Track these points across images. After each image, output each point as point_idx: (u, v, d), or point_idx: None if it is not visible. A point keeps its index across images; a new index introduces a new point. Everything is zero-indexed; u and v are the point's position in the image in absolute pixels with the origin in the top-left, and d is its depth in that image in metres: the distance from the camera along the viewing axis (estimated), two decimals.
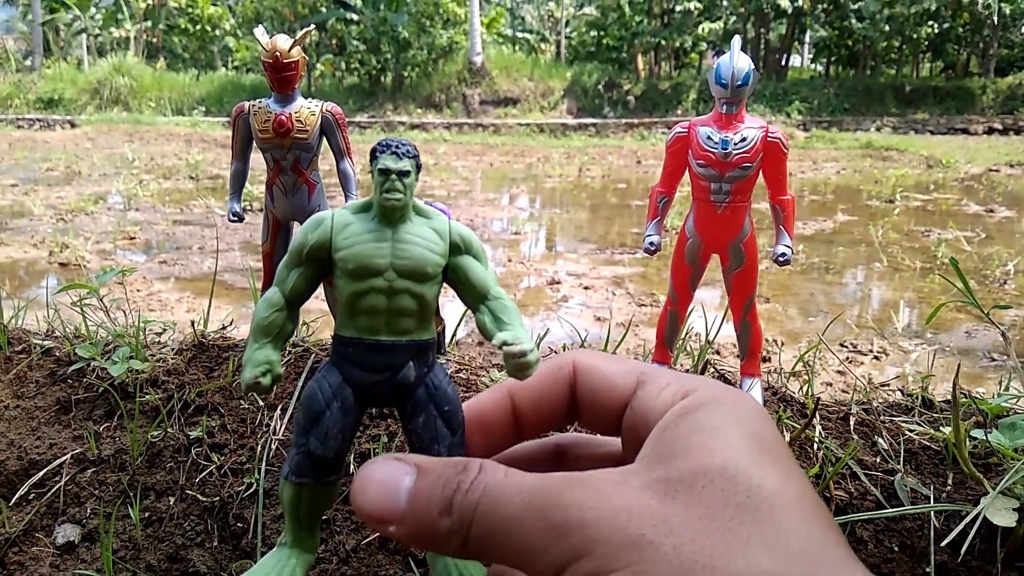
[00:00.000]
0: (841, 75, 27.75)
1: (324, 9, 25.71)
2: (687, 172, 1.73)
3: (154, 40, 33.28)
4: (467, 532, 0.38)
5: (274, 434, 1.80)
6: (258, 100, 1.88)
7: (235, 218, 1.97)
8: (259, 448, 1.78)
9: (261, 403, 1.89)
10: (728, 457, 0.37)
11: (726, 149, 1.63)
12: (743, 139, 1.64)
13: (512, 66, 26.47)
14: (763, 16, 24.55)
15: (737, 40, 1.67)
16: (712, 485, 0.35)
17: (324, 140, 1.91)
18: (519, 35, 34.27)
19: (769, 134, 1.67)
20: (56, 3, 30.86)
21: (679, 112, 22.93)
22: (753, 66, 1.65)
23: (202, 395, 1.95)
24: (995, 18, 23.36)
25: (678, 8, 23.99)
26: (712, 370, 1.88)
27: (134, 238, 7.26)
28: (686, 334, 1.96)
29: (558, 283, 5.95)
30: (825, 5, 24.48)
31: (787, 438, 1.58)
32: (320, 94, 27.44)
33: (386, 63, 25.45)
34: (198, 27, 30.10)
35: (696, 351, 1.91)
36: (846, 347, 4.56)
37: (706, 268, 1.79)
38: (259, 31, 1.81)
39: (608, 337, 2.06)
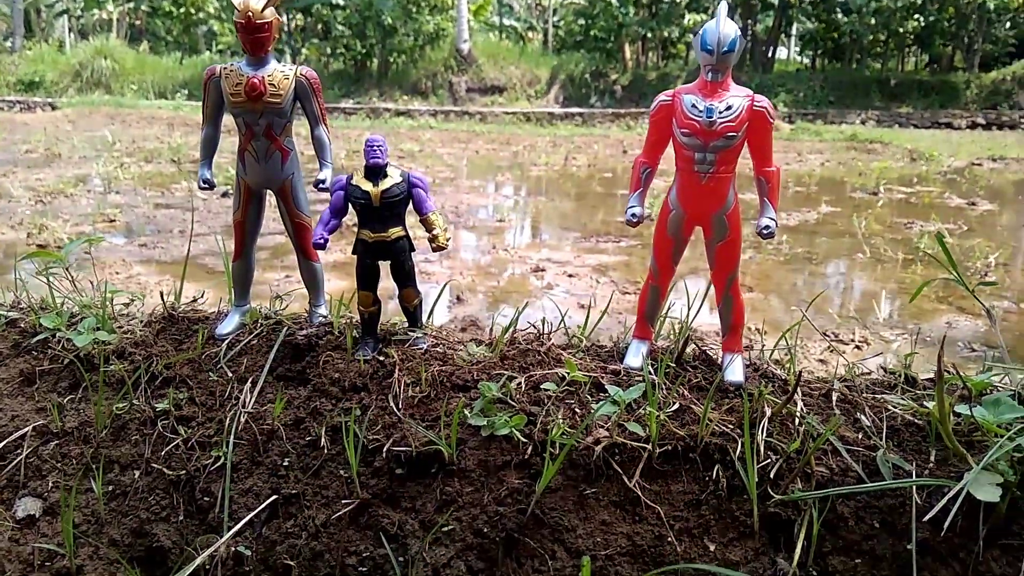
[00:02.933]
0: (827, 68, 27.84)
1: None
2: (671, 143, 1.69)
3: (137, 22, 32.78)
4: None
5: (243, 407, 1.75)
6: (230, 63, 1.81)
7: (206, 185, 1.90)
8: (228, 421, 1.73)
9: (230, 375, 1.84)
10: None
11: (711, 117, 1.59)
12: (728, 107, 1.60)
13: (499, 54, 26.32)
14: (750, 8, 24.56)
15: (724, 6, 1.62)
16: None
17: (298, 105, 1.85)
18: (507, 23, 34.07)
19: (755, 102, 1.62)
20: None
21: None
22: (739, 32, 1.60)
23: (170, 367, 1.89)
24: (979, 13, 23.50)
25: None
26: (693, 346, 1.85)
27: (114, 220, 7.14)
28: (666, 316, 1.93)
29: (542, 271, 5.90)
30: None
31: (768, 414, 1.55)
32: None
33: (372, 49, 25.22)
34: (182, 10, 29.63)
35: (677, 331, 1.88)
36: (828, 336, 4.56)
37: (689, 241, 1.76)
38: None
39: (587, 321, 2.02)
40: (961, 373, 1.68)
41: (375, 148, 1.70)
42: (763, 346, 1.99)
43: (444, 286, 2.39)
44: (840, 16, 24.57)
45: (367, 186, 1.72)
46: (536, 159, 14.00)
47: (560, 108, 23.50)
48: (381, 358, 1.79)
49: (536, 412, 1.60)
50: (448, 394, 1.69)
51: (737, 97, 1.61)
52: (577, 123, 21.55)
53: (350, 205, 1.76)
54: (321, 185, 1.82)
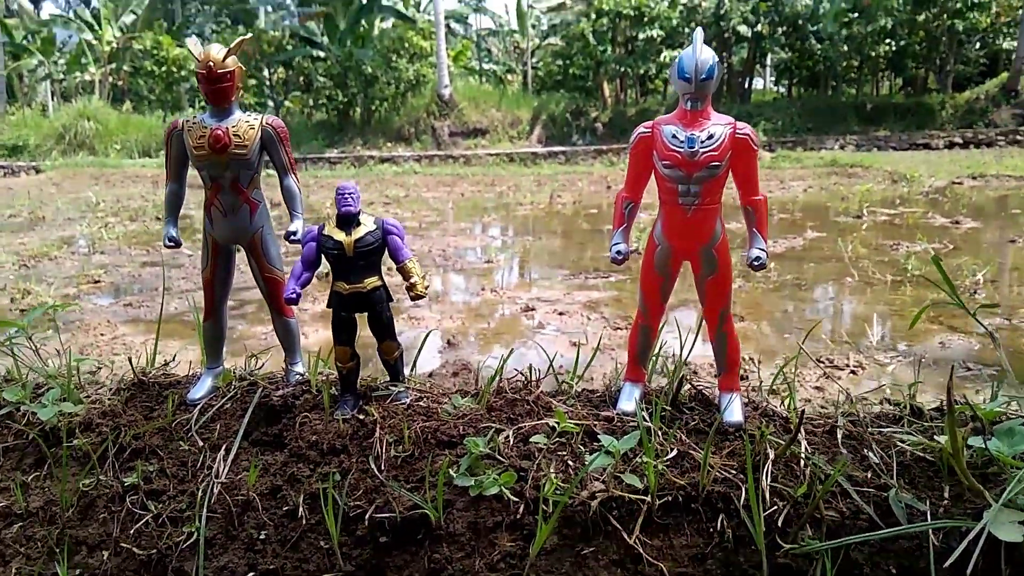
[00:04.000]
0: (803, 95, 28.25)
1: (290, 47, 25.72)
2: (653, 176, 1.63)
3: (120, 83, 33.01)
4: None
5: (216, 477, 1.65)
6: (193, 115, 1.75)
7: (171, 243, 1.83)
8: (200, 493, 1.63)
9: (202, 443, 1.74)
10: None
11: (693, 147, 1.53)
12: (710, 136, 1.54)
13: (480, 97, 26.59)
14: (724, 41, 24.98)
15: (699, 33, 1.57)
16: None
17: (265, 156, 1.79)
18: (486, 67, 34.52)
19: (737, 130, 1.57)
20: (20, 49, 30.55)
21: None
22: (717, 59, 1.55)
23: (139, 438, 1.79)
24: (949, 35, 24.00)
25: (641, 36, 24.32)
26: (689, 387, 1.77)
27: (99, 281, 7.04)
28: (659, 352, 1.85)
29: (532, 310, 5.83)
30: (784, 28, 24.98)
31: (771, 456, 1.47)
32: (290, 132, 27.26)
33: (354, 98, 25.43)
34: (163, 68, 29.90)
35: (671, 370, 1.80)
36: (823, 362, 4.49)
37: (677, 277, 1.69)
38: (192, 41, 1.70)
39: (577, 361, 1.94)
40: (971, 403, 1.60)
41: (347, 196, 1.63)
42: (760, 381, 1.92)
43: (426, 336, 2.31)
44: (813, 44, 25.03)
45: (339, 235, 1.65)
46: (521, 199, 14.04)
47: (543, 147, 23.69)
48: (361, 416, 1.70)
49: (527, 467, 1.51)
50: (433, 452, 1.60)
51: (719, 125, 1.55)
52: (560, 161, 21.70)
53: (323, 256, 1.68)
54: (292, 237, 1.75)
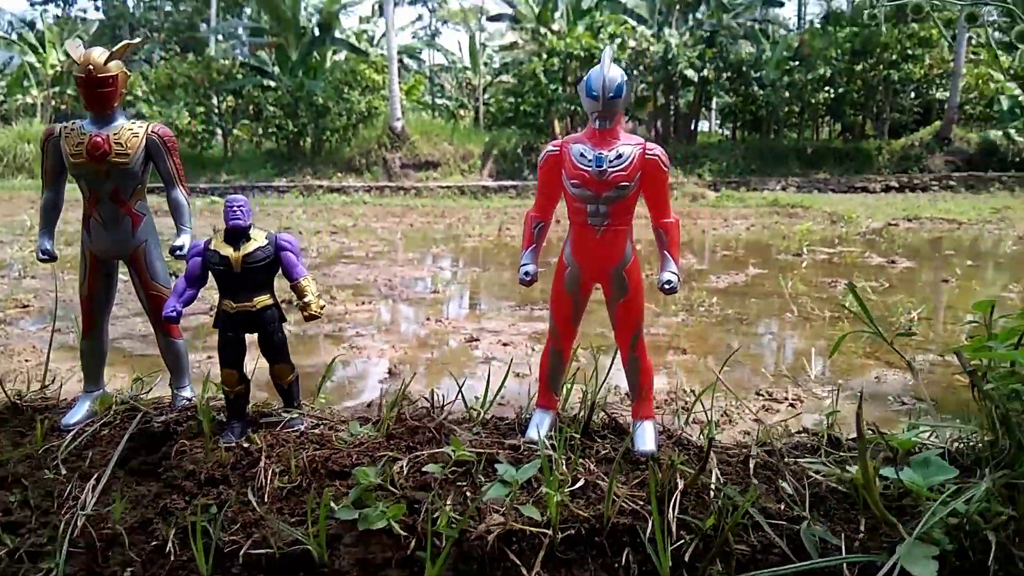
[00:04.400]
0: (747, 138, 29.10)
1: (240, 76, 25.46)
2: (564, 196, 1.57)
3: (63, 107, 32.17)
4: None
5: (82, 509, 1.49)
6: (73, 121, 1.63)
7: (45, 256, 1.68)
8: (63, 526, 1.47)
9: (71, 472, 1.58)
10: None
11: (601, 167, 1.47)
12: (619, 156, 1.48)
13: (432, 131, 26.68)
14: (672, 84, 25.64)
15: (608, 51, 1.53)
16: None
17: (151, 166, 1.67)
18: (439, 101, 34.72)
19: (647, 151, 1.51)
20: None
21: None
22: (626, 78, 1.50)
23: (3, 465, 1.63)
24: (885, 84, 25.09)
25: None
26: (602, 414, 1.68)
27: (28, 306, 6.69)
28: (573, 379, 1.77)
29: (477, 340, 5.72)
30: (729, 74, 25.78)
31: (680, 486, 1.39)
32: (237, 159, 26.94)
33: (304, 128, 25.23)
34: None
35: (584, 395, 1.72)
36: (762, 395, 4.48)
37: (588, 299, 1.61)
38: (72, 43, 1.57)
39: (486, 391, 1.84)
40: (885, 432, 1.55)
41: (235, 208, 1.52)
42: (677, 410, 1.85)
43: (330, 366, 2.18)
44: (756, 90, 25.86)
45: (226, 250, 1.54)
46: (471, 231, 14.00)
47: (493, 181, 23.79)
48: (246, 444, 1.56)
49: (422, 499, 1.40)
50: (323, 483, 1.47)
51: (628, 145, 1.50)
52: (511, 195, 21.80)
53: (210, 273, 1.56)
54: (178, 252, 1.63)
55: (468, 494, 1.42)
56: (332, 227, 14.03)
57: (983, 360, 1.56)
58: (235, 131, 26.76)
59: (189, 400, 1.79)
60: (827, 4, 32.16)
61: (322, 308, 1.59)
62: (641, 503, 1.38)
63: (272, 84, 25.20)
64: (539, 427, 1.61)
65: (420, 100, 32.91)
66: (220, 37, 34.29)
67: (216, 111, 25.86)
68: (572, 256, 1.57)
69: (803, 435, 1.69)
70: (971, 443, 1.58)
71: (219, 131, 26.46)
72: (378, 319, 6.51)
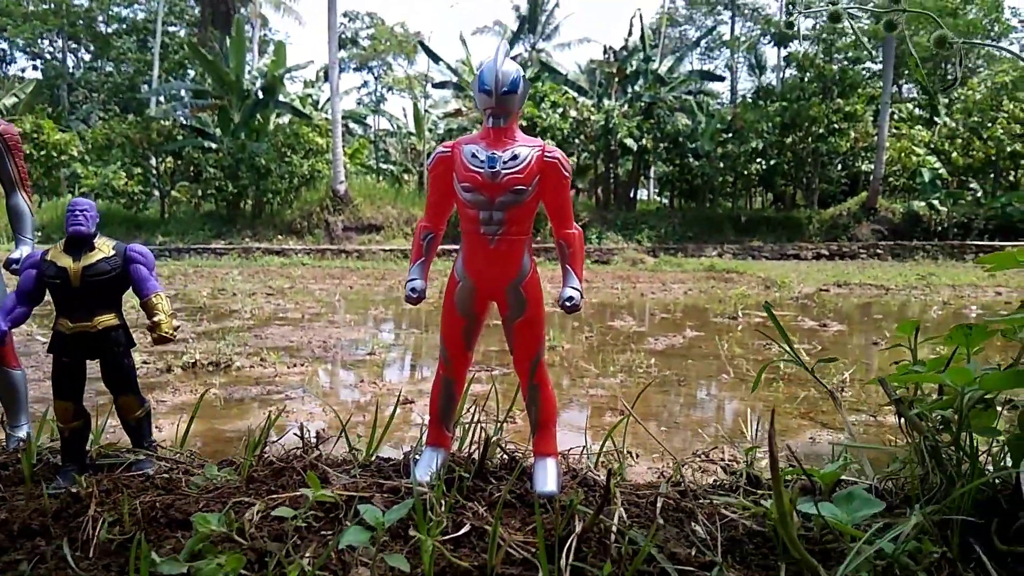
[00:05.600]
0: (684, 206, 29.94)
1: (180, 137, 25.13)
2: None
3: None
4: None
5: None
6: None
7: None
8: None
9: None
10: None
11: (494, 167, 1.33)
12: (514, 157, 1.34)
13: (376, 194, 26.66)
14: (611, 153, 26.32)
15: (503, 45, 1.43)
16: None
17: None
18: (383, 166, 34.85)
19: (546, 152, 1.38)
20: None
21: (538, 237, 23.67)
22: (522, 73, 1.38)
23: None
24: (814, 156, 26.26)
25: None
26: (499, 452, 1.50)
27: None
28: (471, 407, 1.59)
29: (412, 402, 5.47)
30: (666, 144, 26.65)
31: (578, 528, 1.21)
32: (175, 221, 26.32)
33: (244, 190, 24.90)
34: (43, 153, 28.51)
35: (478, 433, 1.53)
36: (699, 456, 4.35)
37: (484, 320, 1.45)
38: None
39: (373, 431, 1.64)
40: (804, 465, 1.41)
41: (77, 212, 1.32)
42: (587, 455, 1.67)
43: (197, 408, 1.95)
44: (692, 160, 26.75)
45: (64, 261, 1.32)
46: None
47: None
48: (75, 490, 1.32)
49: (274, 549, 1.18)
50: (162, 533, 1.24)
51: (525, 147, 1.36)
52: (453, 258, 21.75)
53: (44, 287, 1.35)
54: (14, 265, 1.41)
55: (331, 544, 1.21)
56: (268, 288, 13.65)
57: (909, 387, 1.45)
58: (173, 192, 26.25)
59: (23, 441, 1.53)
60: (758, 79, 33.82)
61: (175, 330, 1.38)
62: (534, 551, 1.20)
63: (213, 146, 24.92)
64: (428, 467, 1.42)
65: (364, 164, 32.98)
66: (162, 99, 33.98)
67: (155, 172, 25.36)
68: (464, 270, 1.42)
69: (720, 474, 1.54)
70: (899, 479, 1.46)
71: (156, 192, 25.91)
72: (309, 381, 6.21)
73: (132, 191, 25.11)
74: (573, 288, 1.37)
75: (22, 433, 1.56)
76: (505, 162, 1.34)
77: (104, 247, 1.37)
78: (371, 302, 12.32)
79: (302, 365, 6.71)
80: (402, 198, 26.91)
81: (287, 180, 24.87)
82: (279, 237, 24.23)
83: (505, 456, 1.52)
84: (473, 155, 1.37)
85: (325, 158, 25.68)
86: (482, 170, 1.34)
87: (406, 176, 33.08)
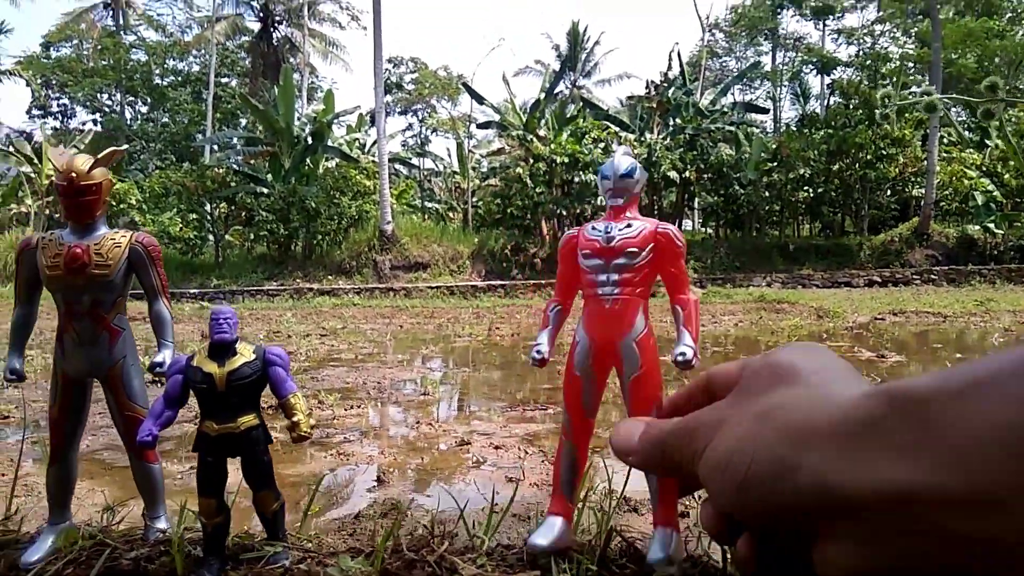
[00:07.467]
0: (730, 236, 29.65)
1: (234, 183, 25.95)
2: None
3: (58, 215, 32.54)
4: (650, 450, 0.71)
5: None
6: (51, 231, 1.55)
7: (13, 376, 1.57)
8: None
9: None
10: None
11: (609, 233, 1.50)
12: (629, 226, 1.52)
13: (422, 233, 27.07)
14: (655, 186, 26.32)
15: (621, 148, 1.56)
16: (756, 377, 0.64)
17: (133, 278, 1.58)
18: (428, 205, 35.43)
19: (659, 226, 1.52)
20: None
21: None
22: (639, 165, 1.53)
23: None
24: (862, 183, 25.84)
25: (576, 180, 25.46)
26: (619, 539, 1.53)
27: (8, 417, 6.45)
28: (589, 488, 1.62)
29: (468, 444, 5.53)
30: (710, 175, 26.54)
31: None
32: (229, 264, 27.07)
33: (295, 232, 25.55)
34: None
35: (599, 515, 1.57)
36: None
37: (603, 385, 1.51)
38: (55, 151, 1.53)
39: (491, 513, 1.69)
40: None
41: (221, 321, 1.42)
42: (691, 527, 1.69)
43: (315, 489, 2.03)
44: (737, 190, 26.55)
45: (210, 367, 1.43)
46: (460, 331, 13.92)
47: (482, 281, 23.94)
48: None
49: None
50: None
51: (640, 221, 1.54)
52: (500, 295, 21.89)
53: (190, 392, 1.45)
54: (158, 369, 1.52)
55: None
56: (321, 329, 13.93)
57: None
58: (227, 236, 27.04)
59: (164, 532, 1.63)
60: (802, 108, 33.59)
61: (313, 428, 1.46)
62: None
63: (265, 190, 25.67)
64: (546, 536, 1.45)
65: (410, 203, 33.57)
66: (215, 147, 35.19)
67: (209, 217, 26.20)
68: (583, 330, 1.53)
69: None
70: None
71: (211, 237, 26.72)
72: (366, 423, 6.31)
73: (187, 236, 25.94)
74: (686, 345, 1.44)
75: (161, 524, 1.65)
76: (620, 229, 1.48)
77: (245, 351, 1.47)
78: (421, 341, 12.48)
79: (358, 407, 6.81)
80: (447, 235, 27.27)
81: (336, 221, 25.44)
82: (329, 277, 24.72)
83: (622, 540, 1.56)
84: (593, 227, 1.55)
85: (372, 199, 26.22)
86: (600, 236, 1.51)
87: (451, 214, 33.55)
